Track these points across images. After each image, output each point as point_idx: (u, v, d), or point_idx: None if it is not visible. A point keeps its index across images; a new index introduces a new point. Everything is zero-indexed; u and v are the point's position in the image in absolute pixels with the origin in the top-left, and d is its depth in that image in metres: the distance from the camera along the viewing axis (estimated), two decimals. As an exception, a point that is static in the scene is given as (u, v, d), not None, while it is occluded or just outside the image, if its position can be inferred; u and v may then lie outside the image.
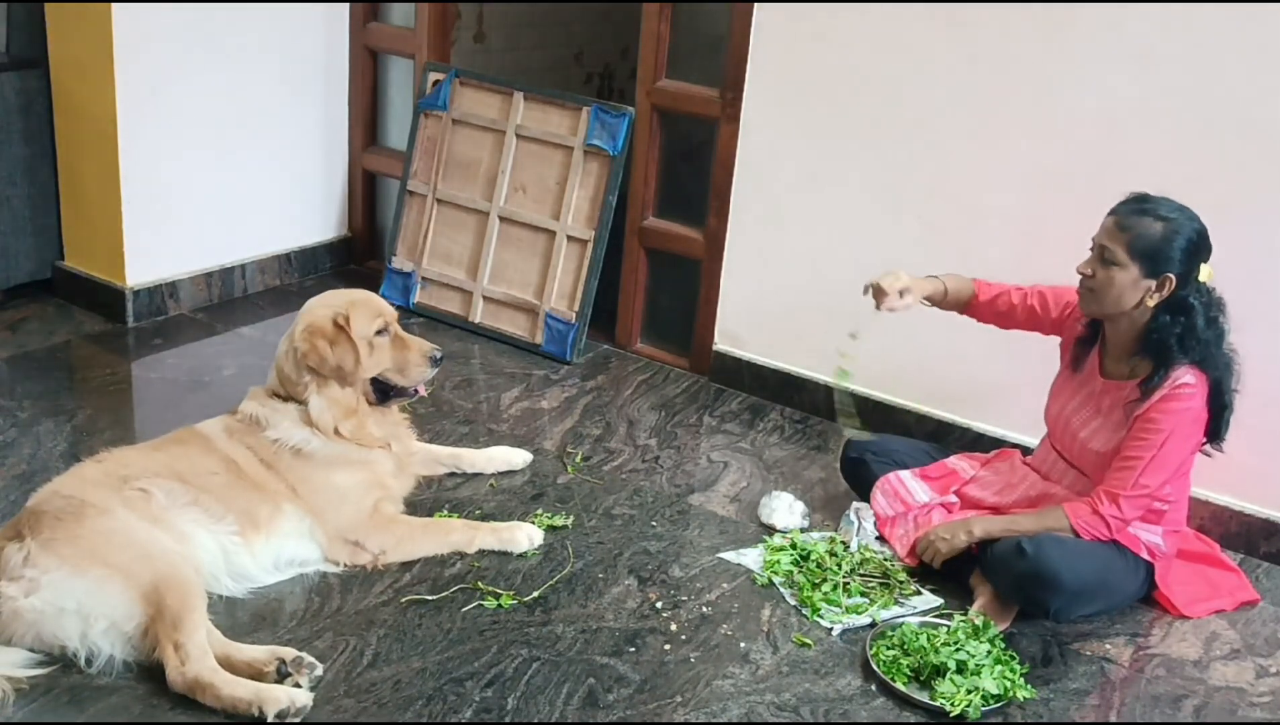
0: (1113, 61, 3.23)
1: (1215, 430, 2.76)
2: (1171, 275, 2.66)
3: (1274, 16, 3.00)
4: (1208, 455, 2.84)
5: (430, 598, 2.76)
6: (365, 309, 2.94)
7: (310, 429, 2.86)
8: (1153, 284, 2.68)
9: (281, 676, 2.39)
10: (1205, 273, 2.70)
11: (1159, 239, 2.65)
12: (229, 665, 2.39)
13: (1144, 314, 2.72)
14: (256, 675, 2.39)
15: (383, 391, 3.00)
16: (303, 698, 2.35)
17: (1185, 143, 3.17)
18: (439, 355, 3.01)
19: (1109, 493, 2.74)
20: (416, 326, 4.44)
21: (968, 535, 2.86)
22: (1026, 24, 3.32)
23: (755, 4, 3.74)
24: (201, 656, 2.35)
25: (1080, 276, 2.77)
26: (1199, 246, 2.67)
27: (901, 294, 2.97)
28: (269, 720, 2.29)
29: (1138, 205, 2.70)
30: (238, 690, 2.32)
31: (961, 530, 2.87)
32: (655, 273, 4.32)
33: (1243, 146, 3.10)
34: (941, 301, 3.08)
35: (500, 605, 2.75)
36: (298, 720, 2.32)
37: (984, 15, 3.38)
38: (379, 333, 2.94)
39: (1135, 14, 3.16)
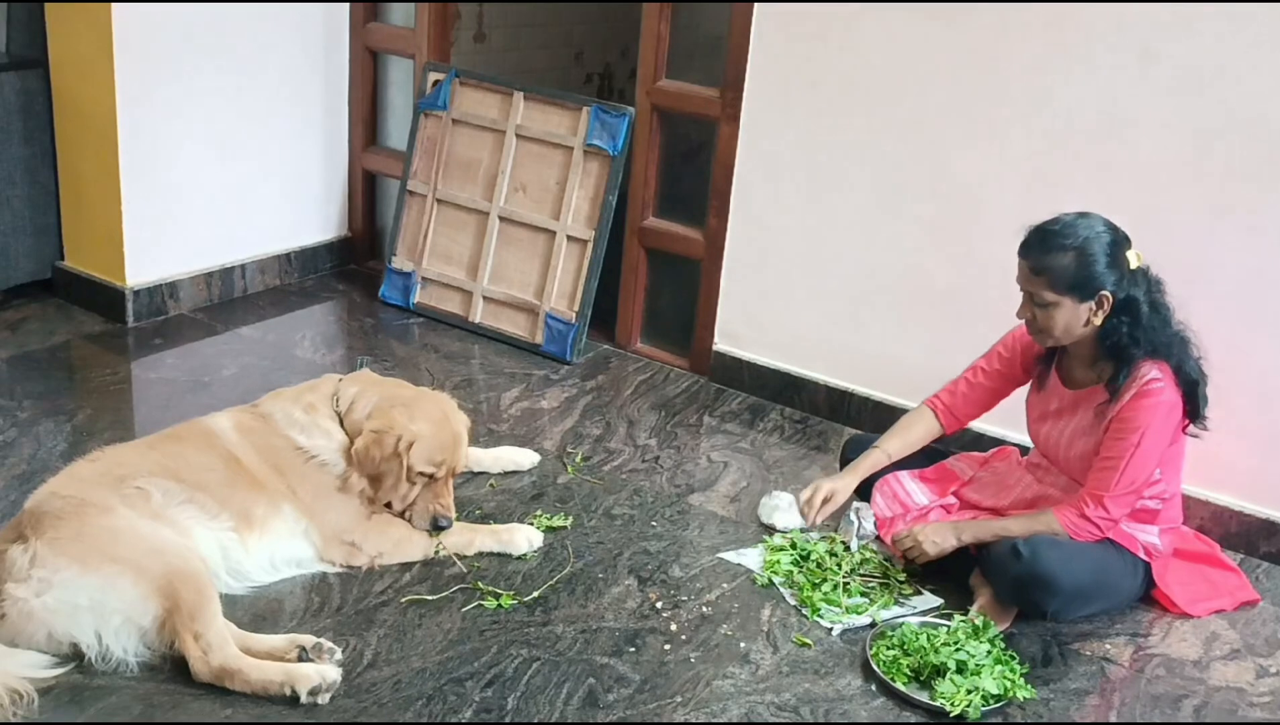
0: (1113, 61, 3.23)
1: (1194, 409, 2.75)
2: (1105, 292, 2.65)
3: (1274, 16, 3.00)
4: (1195, 436, 2.83)
5: (430, 598, 2.76)
6: (429, 448, 2.87)
7: (344, 453, 2.86)
8: (1091, 305, 2.67)
9: (303, 663, 2.42)
10: (1135, 260, 2.68)
11: (1076, 268, 2.63)
12: (249, 654, 2.41)
13: (1094, 327, 2.72)
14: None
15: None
16: (333, 673, 2.39)
17: (1185, 143, 3.17)
18: (445, 523, 2.93)
19: (1093, 495, 2.73)
20: (417, 326, 4.45)
21: (958, 540, 2.86)
22: (1026, 24, 3.32)
23: (755, 4, 3.74)
24: (223, 644, 2.37)
25: (1025, 322, 2.78)
26: (1116, 251, 2.65)
27: (825, 502, 3.06)
28: (302, 698, 2.33)
29: (1039, 241, 2.67)
30: (268, 672, 2.36)
31: (952, 534, 2.87)
32: (655, 273, 4.32)
33: (1243, 146, 3.10)
34: (884, 466, 3.11)
35: (500, 605, 2.75)
36: (330, 695, 2.36)
37: (984, 15, 3.38)
38: (429, 476, 2.90)
39: (1135, 14, 3.16)
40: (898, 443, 3.12)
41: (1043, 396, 2.95)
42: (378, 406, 2.90)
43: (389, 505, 2.93)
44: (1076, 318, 2.69)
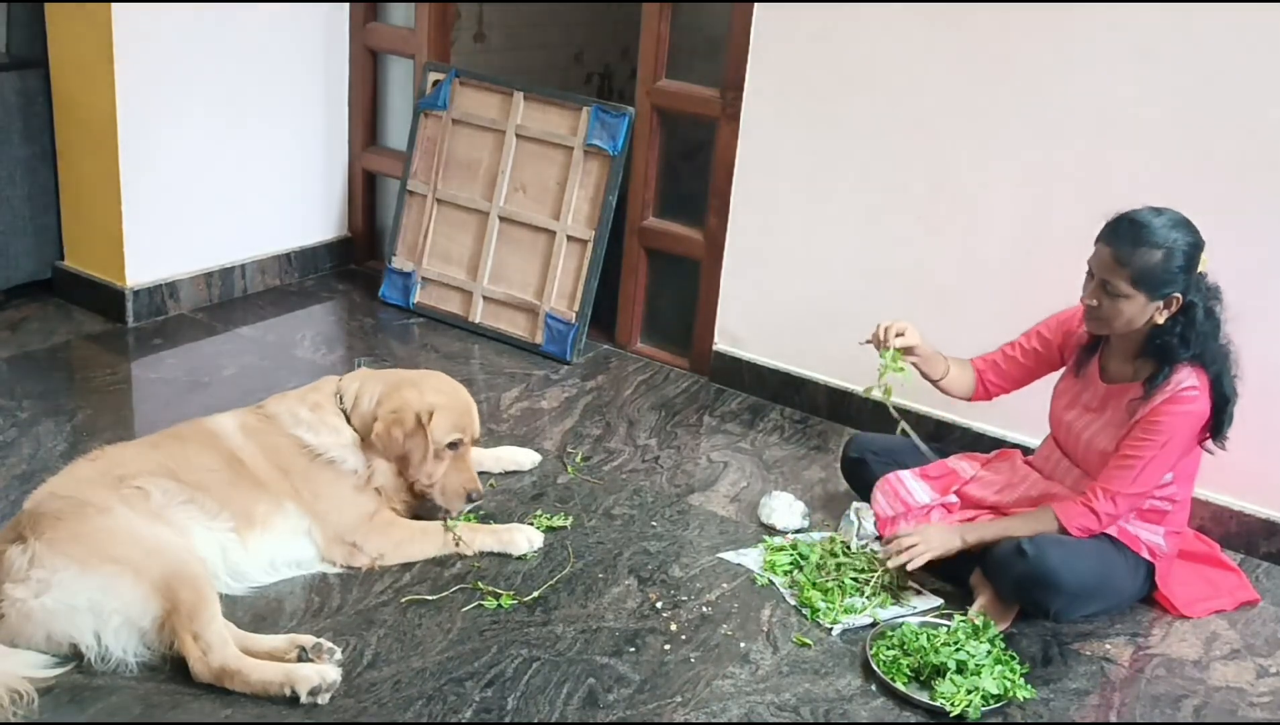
0: (1113, 61, 3.23)
1: (1218, 425, 2.76)
2: (1178, 294, 2.66)
3: (1274, 16, 3.00)
4: (1210, 452, 2.84)
5: (430, 598, 2.76)
6: (449, 417, 2.92)
7: (353, 450, 2.87)
8: (1160, 304, 2.67)
9: (302, 663, 2.42)
10: (1203, 264, 2.69)
11: (1159, 266, 2.62)
12: (249, 655, 2.41)
13: (1150, 324, 2.72)
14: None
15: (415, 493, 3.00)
16: (333, 673, 2.39)
17: (1186, 142, 3.17)
18: (476, 496, 2.98)
19: (1106, 489, 2.73)
20: (416, 326, 4.45)
21: (962, 541, 2.85)
22: (1026, 24, 3.32)
23: (755, 4, 3.74)
24: (223, 645, 2.38)
25: (1086, 306, 2.76)
26: (1195, 256, 2.65)
27: (901, 333, 2.96)
28: (302, 698, 2.33)
29: (1130, 234, 2.65)
30: (267, 673, 2.36)
31: (957, 536, 2.86)
32: (655, 273, 4.32)
33: (1243, 146, 3.10)
34: (939, 373, 3.06)
35: (500, 605, 2.75)
36: (329, 695, 2.36)
37: (984, 15, 3.38)
38: (451, 445, 2.93)
39: (1135, 14, 3.16)
40: (955, 369, 3.08)
41: (1076, 383, 2.94)
42: (385, 392, 2.92)
43: (412, 493, 2.95)
44: (1142, 313, 2.68)
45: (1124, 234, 2.66)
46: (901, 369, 2.97)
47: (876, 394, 3.01)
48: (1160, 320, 2.69)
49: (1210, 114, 3.12)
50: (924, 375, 3.08)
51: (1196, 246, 2.66)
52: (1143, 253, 2.62)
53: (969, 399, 3.14)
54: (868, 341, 3.01)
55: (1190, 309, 2.68)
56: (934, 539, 2.86)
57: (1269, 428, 3.17)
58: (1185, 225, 2.67)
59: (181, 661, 2.38)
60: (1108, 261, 2.67)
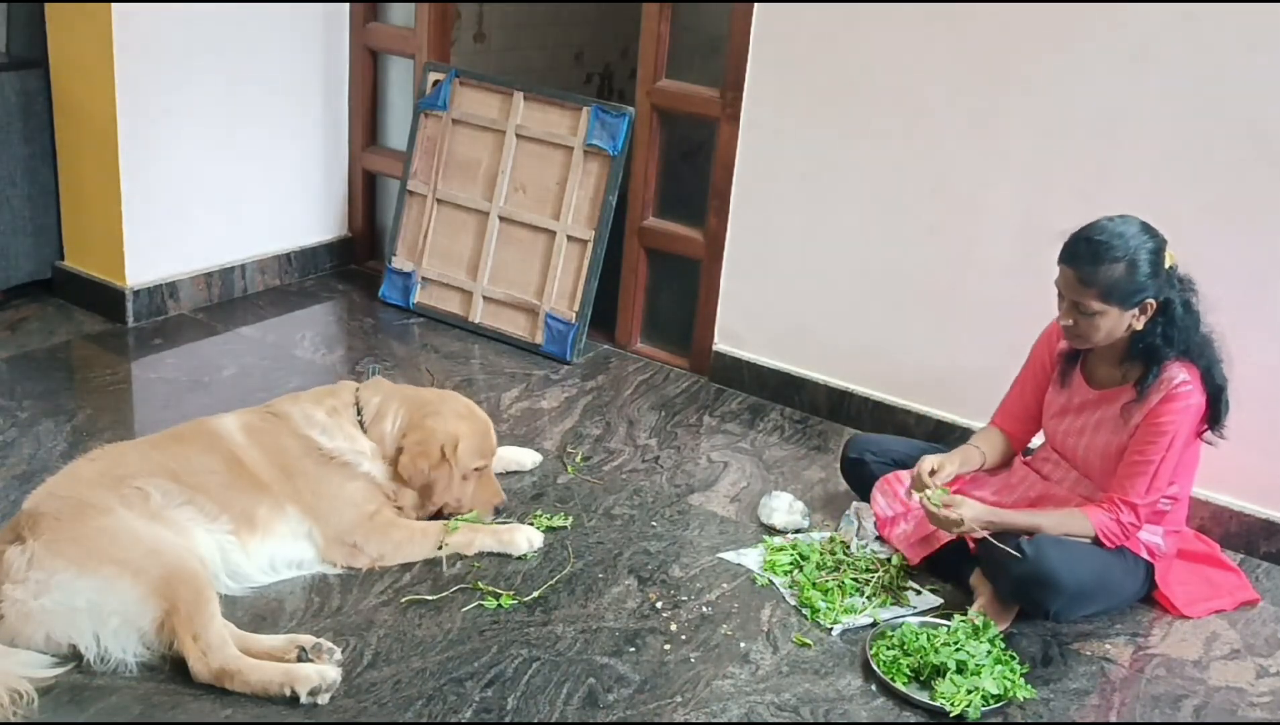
0: (1112, 61, 3.23)
1: (1215, 415, 2.75)
2: (1151, 300, 2.65)
3: (1274, 16, 2.99)
4: (1211, 444, 2.83)
5: (430, 598, 2.76)
6: (473, 443, 2.98)
7: (368, 457, 2.90)
8: (1135, 312, 2.67)
9: (302, 663, 2.42)
10: (1169, 260, 2.67)
11: (1125, 278, 2.61)
12: (249, 655, 2.42)
13: (1130, 331, 2.72)
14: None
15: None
16: (333, 673, 2.39)
17: (1185, 143, 3.17)
18: (502, 508, 3.09)
19: (1127, 502, 2.72)
20: (417, 326, 4.45)
21: (989, 525, 2.76)
22: (1026, 24, 3.32)
23: (755, 4, 3.74)
24: (222, 645, 2.38)
25: (1063, 326, 2.75)
26: (1159, 257, 2.64)
27: (933, 472, 2.85)
28: (302, 698, 2.34)
29: (1089, 252, 2.62)
30: (267, 673, 2.36)
31: (986, 517, 2.77)
32: (655, 273, 4.32)
33: (1243, 146, 3.10)
34: (978, 465, 3.00)
35: (500, 605, 2.75)
36: (329, 695, 2.36)
37: (984, 15, 3.38)
38: (476, 468, 3.00)
39: (1135, 14, 3.16)
40: (987, 448, 3.03)
41: (1062, 394, 2.94)
42: (410, 420, 2.95)
43: (438, 513, 2.99)
44: (1120, 325, 2.68)
45: (1083, 253, 2.64)
46: (945, 496, 2.82)
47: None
48: (1139, 326, 2.68)
49: (1210, 114, 3.12)
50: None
51: (1158, 249, 2.64)
52: (1105, 268, 2.61)
53: (1014, 456, 3.10)
54: (910, 490, 2.92)
55: (1168, 307, 2.67)
56: (968, 513, 2.75)
57: (1269, 428, 3.17)
58: (1143, 229, 2.65)
59: (181, 662, 2.38)
60: (1073, 283, 2.67)
